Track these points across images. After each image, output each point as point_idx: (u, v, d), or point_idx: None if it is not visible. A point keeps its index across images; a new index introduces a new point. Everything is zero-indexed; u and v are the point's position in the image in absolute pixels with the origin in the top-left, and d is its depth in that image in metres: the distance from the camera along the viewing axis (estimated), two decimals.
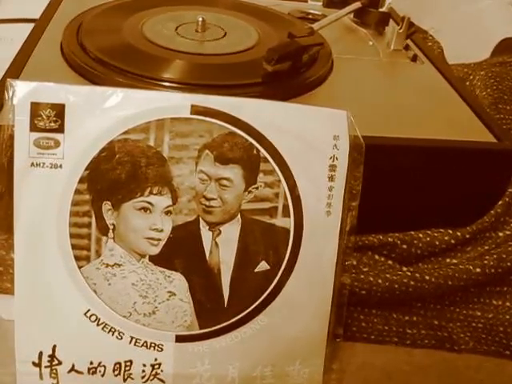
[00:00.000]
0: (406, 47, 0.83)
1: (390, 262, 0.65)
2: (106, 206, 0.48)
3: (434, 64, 0.80)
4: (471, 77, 0.93)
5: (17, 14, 0.99)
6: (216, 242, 0.50)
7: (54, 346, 0.50)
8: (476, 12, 1.25)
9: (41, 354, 0.50)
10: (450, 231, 0.66)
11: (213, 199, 0.49)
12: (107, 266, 0.49)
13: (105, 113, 0.48)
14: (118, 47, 0.68)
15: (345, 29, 0.87)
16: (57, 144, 0.47)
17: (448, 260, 0.66)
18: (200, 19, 0.73)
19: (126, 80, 0.62)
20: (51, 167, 0.47)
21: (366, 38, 0.85)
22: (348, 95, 0.69)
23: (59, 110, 0.47)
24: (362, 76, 0.75)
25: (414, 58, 0.80)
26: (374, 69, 0.77)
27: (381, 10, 0.88)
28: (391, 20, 0.87)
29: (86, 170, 0.48)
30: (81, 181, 0.48)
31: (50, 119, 0.47)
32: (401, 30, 0.81)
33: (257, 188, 0.50)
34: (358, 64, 0.77)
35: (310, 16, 0.88)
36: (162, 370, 0.51)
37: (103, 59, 0.65)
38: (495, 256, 0.64)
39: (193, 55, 0.68)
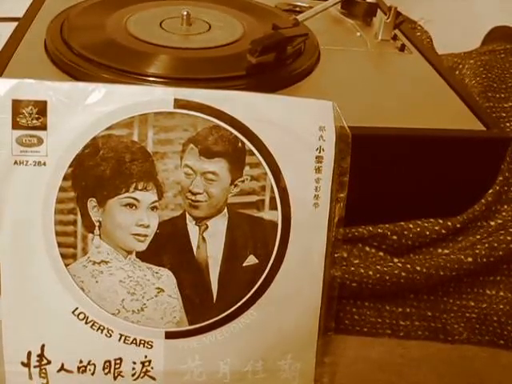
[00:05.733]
0: (394, 37, 0.83)
1: (380, 253, 0.65)
2: (92, 202, 0.48)
3: (422, 54, 0.80)
4: (460, 66, 0.93)
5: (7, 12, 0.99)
6: (203, 237, 0.50)
7: (43, 346, 0.50)
8: (466, 1, 1.25)
9: (29, 353, 0.50)
10: (441, 221, 0.65)
11: (199, 193, 0.49)
12: (94, 263, 0.49)
13: (87, 109, 0.47)
14: (102, 43, 0.67)
15: (332, 20, 0.87)
16: (40, 141, 0.47)
17: (439, 250, 0.65)
18: (185, 13, 0.72)
19: (110, 76, 0.62)
20: (35, 165, 0.47)
21: (353, 29, 0.85)
22: (335, 86, 0.69)
23: (41, 107, 0.47)
24: (349, 67, 0.74)
25: (402, 48, 0.80)
26: (362, 59, 0.77)
27: (368, 0, 0.87)
28: (379, 10, 0.86)
29: (70, 166, 0.47)
30: (65, 178, 0.47)
31: (33, 116, 0.47)
32: (388, 20, 0.81)
33: (243, 181, 0.49)
34: (346, 55, 0.77)
35: (298, 8, 0.88)
36: (152, 368, 0.51)
37: (87, 56, 0.64)
38: (487, 245, 0.64)
39: (177, 49, 0.68)
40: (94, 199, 0.48)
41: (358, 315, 0.62)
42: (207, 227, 0.50)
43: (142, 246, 0.49)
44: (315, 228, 0.51)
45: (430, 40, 1.01)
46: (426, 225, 0.65)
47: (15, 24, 0.74)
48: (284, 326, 0.52)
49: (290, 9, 0.88)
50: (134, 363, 0.50)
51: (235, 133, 0.49)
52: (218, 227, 0.50)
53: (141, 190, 0.48)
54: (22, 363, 0.50)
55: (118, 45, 0.67)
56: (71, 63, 0.64)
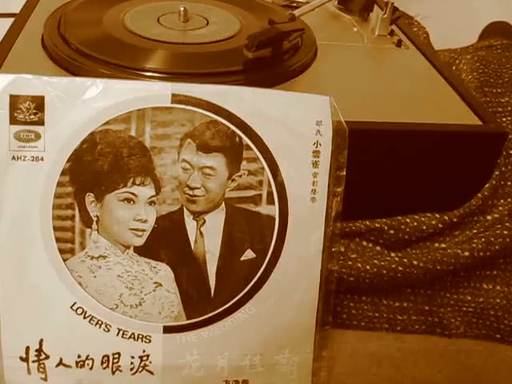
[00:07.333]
0: (391, 33, 0.83)
1: (377, 247, 0.65)
2: (89, 197, 0.48)
3: (419, 49, 0.80)
4: (457, 61, 0.93)
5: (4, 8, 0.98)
6: (201, 232, 0.50)
7: (41, 341, 0.50)
8: None
9: (28, 348, 0.50)
10: (438, 215, 0.65)
11: (196, 188, 0.49)
12: (92, 258, 0.49)
13: (85, 104, 0.47)
14: (99, 38, 0.67)
15: (329, 16, 0.87)
16: (37, 136, 0.47)
17: (436, 244, 0.65)
18: (182, 9, 0.72)
19: (108, 71, 0.62)
20: (32, 160, 0.47)
21: (350, 25, 0.85)
22: (332, 81, 0.69)
23: (39, 102, 0.47)
24: (346, 62, 0.74)
25: (399, 44, 0.80)
26: (359, 55, 0.77)
27: None
28: (376, 6, 0.86)
29: (68, 162, 0.47)
30: (63, 173, 0.48)
31: (30, 112, 0.47)
32: (385, 16, 0.81)
33: (240, 176, 0.49)
34: (343, 50, 0.77)
35: (294, 4, 0.88)
36: (150, 362, 0.51)
37: (85, 51, 0.64)
38: (483, 239, 0.64)
39: (175, 44, 0.68)
40: (92, 194, 0.48)
41: (356, 309, 0.62)
42: (205, 222, 0.50)
43: (140, 241, 0.49)
44: (312, 222, 0.51)
45: (427, 35, 1.01)
46: (423, 219, 0.65)
47: (12, 20, 0.74)
48: (282, 320, 0.52)
49: (287, 4, 0.87)
50: (133, 358, 0.51)
51: (232, 128, 0.49)
52: (216, 222, 0.50)
53: (138, 185, 0.48)
54: (21, 358, 0.50)
55: (115, 40, 0.67)
56: (68, 58, 0.64)
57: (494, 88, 0.86)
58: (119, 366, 0.51)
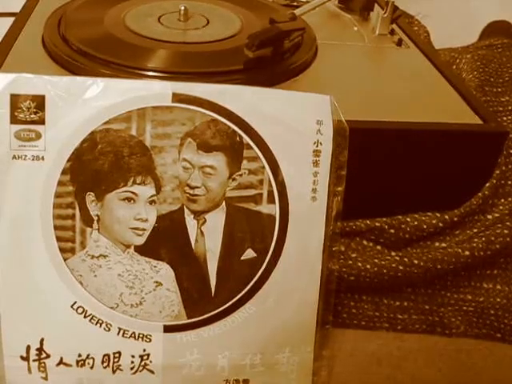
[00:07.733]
0: (392, 32, 0.83)
1: (378, 247, 0.65)
2: (90, 197, 0.48)
3: (419, 48, 0.80)
4: (458, 60, 0.93)
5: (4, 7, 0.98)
6: (201, 231, 0.50)
7: (42, 340, 0.50)
8: None
9: (28, 347, 0.50)
10: (438, 214, 0.65)
11: (197, 187, 0.49)
12: (92, 257, 0.49)
13: (86, 103, 0.47)
14: (100, 38, 0.67)
15: (329, 15, 0.87)
16: (38, 136, 0.47)
17: (437, 244, 0.65)
18: (182, 8, 0.72)
19: (108, 71, 0.62)
20: (33, 159, 0.47)
21: (350, 24, 0.85)
22: (333, 81, 0.69)
23: (39, 102, 0.47)
24: (346, 61, 0.75)
25: (400, 43, 0.80)
26: (359, 54, 0.77)
27: None
28: (376, 5, 0.86)
29: (69, 161, 0.47)
30: (63, 172, 0.47)
31: (31, 111, 0.46)
32: (385, 15, 0.81)
33: (241, 175, 0.49)
34: (343, 49, 0.77)
35: (295, 3, 0.88)
36: (150, 361, 0.51)
37: (85, 51, 0.64)
38: (484, 239, 0.64)
39: (175, 44, 0.68)
40: (93, 193, 0.48)
41: (356, 309, 0.62)
42: (205, 221, 0.50)
43: (141, 240, 0.49)
44: (313, 222, 0.51)
45: (428, 35, 1.01)
46: (424, 218, 0.65)
47: (12, 19, 0.74)
48: (282, 319, 0.52)
49: (287, 3, 0.88)
50: (133, 357, 0.51)
51: (233, 127, 0.49)
52: (216, 221, 0.50)
53: (139, 184, 0.48)
54: (21, 357, 0.50)
55: (116, 39, 0.67)
56: (69, 58, 0.64)
57: (494, 87, 0.86)
58: (120, 365, 0.51)
